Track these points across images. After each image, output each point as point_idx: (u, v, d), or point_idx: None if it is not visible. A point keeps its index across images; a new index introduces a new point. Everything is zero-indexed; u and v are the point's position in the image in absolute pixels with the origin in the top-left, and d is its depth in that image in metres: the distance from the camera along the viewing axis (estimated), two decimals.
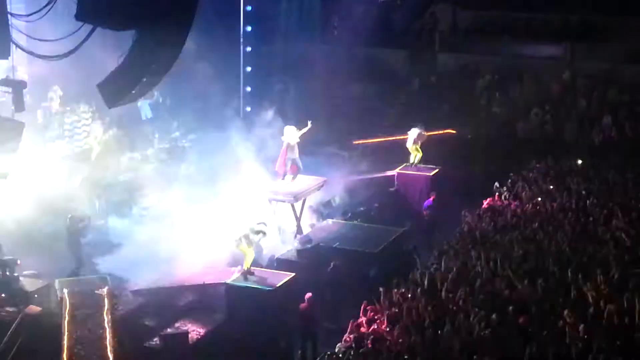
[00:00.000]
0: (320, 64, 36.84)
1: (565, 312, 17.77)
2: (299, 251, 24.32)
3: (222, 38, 34.81)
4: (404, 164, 30.51)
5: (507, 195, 26.72)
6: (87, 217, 26.00)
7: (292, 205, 26.56)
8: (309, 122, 26.81)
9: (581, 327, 17.06)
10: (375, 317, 19.09)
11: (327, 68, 36.48)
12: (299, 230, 26.14)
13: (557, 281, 19.63)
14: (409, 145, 30.15)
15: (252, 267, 21.82)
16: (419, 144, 30.10)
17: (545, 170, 28.45)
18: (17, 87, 21.73)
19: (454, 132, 34.00)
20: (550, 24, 38.24)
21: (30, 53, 22.20)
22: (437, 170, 30.10)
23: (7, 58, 21.57)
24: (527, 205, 25.31)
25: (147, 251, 23.90)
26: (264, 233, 22.10)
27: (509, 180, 27.70)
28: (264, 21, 36.44)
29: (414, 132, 29.98)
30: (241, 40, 36.43)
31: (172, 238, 24.52)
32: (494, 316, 17.95)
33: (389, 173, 30.70)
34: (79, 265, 23.89)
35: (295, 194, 26.37)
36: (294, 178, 26.71)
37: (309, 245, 24.36)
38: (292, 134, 26.30)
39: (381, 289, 19.97)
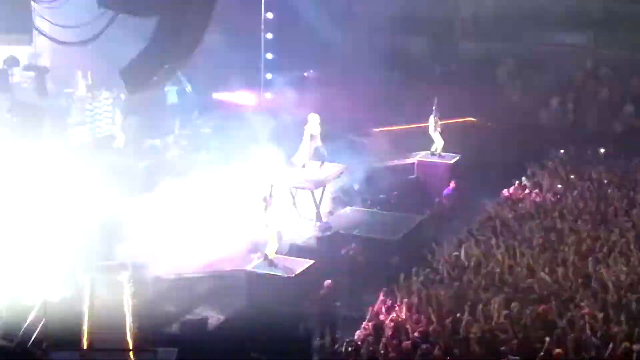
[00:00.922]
0: (341, 51, 36.77)
1: (585, 301, 17.77)
2: (318, 238, 24.36)
3: (243, 24, 34.80)
4: (425, 152, 30.48)
5: (527, 184, 26.67)
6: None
7: (312, 193, 26.53)
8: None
9: (600, 316, 17.03)
10: (395, 305, 19.10)
11: (347, 55, 36.40)
12: (319, 217, 26.12)
13: (576, 270, 19.58)
14: (431, 132, 30.13)
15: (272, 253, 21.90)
16: (439, 130, 30.06)
17: (566, 159, 28.35)
18: (39, 72, 21.82)
19: (475, 120, 33.91)
20: (572, 11, 37.97)
21: (53, 39, 22.30)
22: (457, 157, 30.06)
23: (30, 44, 21.75)
24: (548, 194, 25.27)
25: (168, 238, 24.01)
26: (267, 200, 22.01)
27: (530, 169, 27.62)
28: (285, 8, 36.33)
29: (431, 119, 29.99)
30: (262, 27, 36.35)
31: (193, 225, 24.61)
32: (513, 304, 17.94)
33: (409, 160, 30.71)
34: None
35: (315, 182, 26.34)
36: (321, 165, 26.66)
37: (329, 233, 24.39)
38: (315, 121, 26.23)
39: (400, 277, 19.99)
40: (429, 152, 30.40)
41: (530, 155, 29.30)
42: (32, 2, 20.94)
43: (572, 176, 26.62)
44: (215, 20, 21.81)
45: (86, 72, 30.84)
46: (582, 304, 17.81)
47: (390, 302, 19.26)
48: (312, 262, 22.15)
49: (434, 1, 38.31)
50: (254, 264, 22.01)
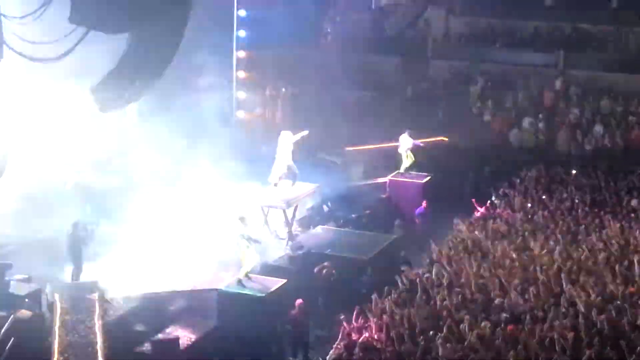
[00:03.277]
0: (313, 70, 36.87)
1: (556, 321, 17.81)
2: (290, 257, 24.32)
3: (215, 43, 34.75)
4: (396, 171, 30.57)
5: (499, 204, 26.76)
6: (93, 224, 25.92)
7: (284, 212, 26.51)
8: (306, 131, 26.73)
9: (570, 335, 17.07)
10: (366, 325, 19.04)
11: (320, 74, 36.49)
12: (291, 236, 26.09)
13: (547, 290, 19.62)
14: (401, 151, 30.23)
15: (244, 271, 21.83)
16: (410, 150, 30.16)
17: (537, 179, 28.48)
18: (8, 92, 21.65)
19: (446, 139, 34.04)
20: (542, 31, 38.35)
21: (23, 56, 22.13)
22: (429, 177, 30.18)
23: (0, 60, 21.55)
24: (519, 214, 25.35)
25: (139, 257, 23.89)
26: (243, 219, 21.95)
27: (501, 189, 27.73)
28: (257, 26, 36.36)
29: (403, 138, 30.07)
30: (234, 45, 36.36)
31: (163, 244, 24.50)
32: (484, 324, 17.95)
33: (381, 180, 30.78)
34: (78, 272, 23.75)
35: (287, 200, 26.31)
36: (293, 184, 26.64)
37: (301, 252, 24.35)
38: (287, 140, 26.21)
39: (372, 297, 19.96)
40: (399, 171, 30.45)
41: (502, 174, 29.44)
42: (2, 18, 20.78)
43: (543, 196, 26.69)
44: (187, 37, 21.79)
45: (57, 91, 30.68)
46: (554, 323, 17.81)
47: (362, 321, 19.19)
48: (284, 281, 22.06)
49: (405, 21, 38.53)
50: (226, 283, 21.90)
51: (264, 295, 21.34)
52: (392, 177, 30.54)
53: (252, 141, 33.42)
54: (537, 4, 38.31)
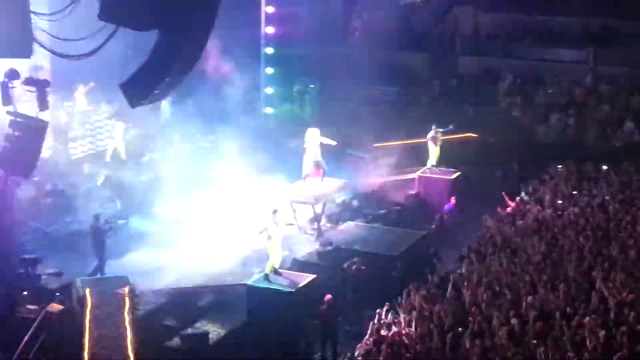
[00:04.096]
0: (341, 66, 36.86)
1: (587, 318, 17.70)
2: (319, 253, 24.31)
3: (243, 39, 34.83)
4: (425, 167, 30.51)
5: (528, 200, 26.64)
6: (114, 218, 26.16)
7: (313, 207, 26.53)
8: (335, 142, 26.78)
9: (601, 333, 16.96)
10: (395, 320, 19.04)
11: (348, 71, 36.48)
12: (320, 232, 26.11)
13: (578, 287, 19.52)
14: (429, 145, 30.18)
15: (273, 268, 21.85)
16: (438, 145, 30.09)
17: (566, 175, 28.32)
18: (40, 86, 21.72)
19: (475, 135, 33.95)
20: (572, 28, 38.15)
21: (53, 52, 22.23)
22: (458, 173, 30.09)
23: (30, 57, 21.65)
24: (549, 210, 25.23)
25: (168, 251, 24.00)
26: (276, 211, 21.98)
27: (531, 185, 27.60)
28: (285, 23, 36.40)
29: (431, 133, 30.02)
30: (262, 41, 36.41)
31: (193, 239, 24.58)
32: (514, 321, 17.88)
33: (410, 176, 30.70)
34: (102, 264, 23.94)
35: (316, 196, 26.35)
36: (321, 180, 26.64)
37: (330, 247, 24.34)
38: (315, 137, 26.20)
39: (402, 292, 19.93)
40: (429, 167, 30.38)
41: (531, 171, 29.30)
42: (32, 15, 20.89)
43: (573, 192, 26.54)
44: (215, 34, 21.80)
45: (87, 86, 30.89)
46: (584, 320, 17.71)
47: (391, 317, 19.19)
48: (313, 276, 22.06)
49: (433, 17, 38.41)
50: (255, 278, 21.95)
51: (293, 290, 21.35)
52: (421, 173, 30.45)
53: (280, 137, 33.46)
54: (566, 0, 38.06)
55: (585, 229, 23.00)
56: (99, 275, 23.14)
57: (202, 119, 33.70)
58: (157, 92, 21.04)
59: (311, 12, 37.33)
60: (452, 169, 30.31)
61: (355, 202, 29.08)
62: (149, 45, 20.18)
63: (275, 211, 21.74)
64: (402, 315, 18.99)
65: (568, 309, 18.35)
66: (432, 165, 30.26)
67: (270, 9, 36.01)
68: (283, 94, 37.66)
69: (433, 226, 27.12)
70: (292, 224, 23.52)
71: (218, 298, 22.38)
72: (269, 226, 21.38)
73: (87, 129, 30.86)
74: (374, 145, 33.77)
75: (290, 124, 35.09)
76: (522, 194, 27.31)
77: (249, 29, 35.71)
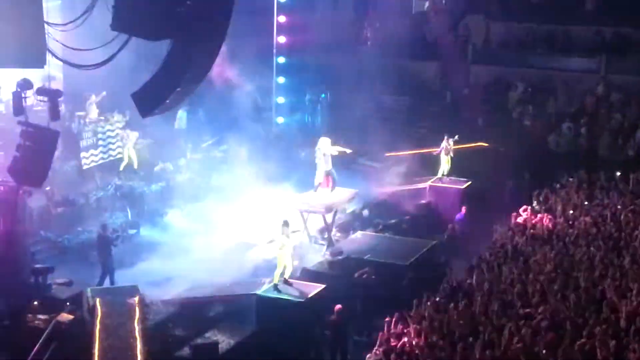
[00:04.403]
0: (352, 75, 36.88)
1: (597, 328, 17.63)
2: (329, 262, 24.31)
3: (255, 49, 34.91)
4: (436, 177, 30.48)
5: (539, 209, 26.56)
6: (125, 228, 26.25)
7: (324, 217, 26.53)
8: (349, 150, 26.79)
9: (612, 343, 16.89)
10: (405, 331, 18.98)
11: (359, 80, 36.50)
12: (330, 241, 26.11)
13: (589, 296, 19.45)
14: (441, 155, 30.17)
15: (282, 278, 21.84)
16: (449, 155, 30.07)
17: (578, 184, 28.24)
18: (52, 96, 21.79)
19: (486, 145, 33.90)
20: (583, 36, 38.05)
21: (66, 62, 22.34)
22: (469, 183, 30.06)
23: (43, 67, 21.75)
24: (560, 219, 25.15)
25: (178, 261, 24.03)
26: (287, 223, 21.96)
27: (542, 194, 27.53)
28: (297, 32, 36.44)
29: (444, 143, 30.01)
30: (274, 51, 36.46)
31: (203, 248, 24.60)
32: (525, 331, 17.82)
33: (421, 185, 30.68)
34: (107, 274, 24.01)
35: (327, 205, 26.34)
36: (332, 189, 26.66)
37: (340, 257, 24.33)
38: (326, 146, 26.19)
39: (412, 302, 19.89)
40: (439, 176, 30.36)
41: (543, 180, 29.21)
42: (45, 25, 20.99)
43: (584, 202, 26.45)
44: (227, 43, 21.85)
45: (99, 96, 30.99)
46: (595, 330, 17.64)
47: (401, 327, 19.14)
48: (322, 286, 22.06)
49: (445, 26, 38.37)
50: (265, 288, 21.95)
51: (302, 300, 21.36)
52: (432, 182, 30.44)
53: (291, 146, 33.50)
54: (578, 9, 38.01)
55: (597, 239, 22.90)
56: (105, 284, 23.24)
57: (214, 129, 33.82)
58: (168, 101, 21.11)
59: (323, 22, 37.34)
60: (463, 179, 30.28)
61: (365, 212, 29.08)
62: (161, 55, 20.27)
63: (286, 222, 21.75)
64: (412, 325, 18.92)
65: (579, 319, 18.29)
66: (443, 175, 30.24)
67: (282, 19, 36.05)
68: (294, 103, 37.67)
69: (445, 236, 27.10)
70: (297, 231, 23.40)
71: (228, 308, 22.33)
72: (279, 236, 21.40)
73: (98, 139, 30.89)
74: (385, 154, 33.78)
75: (301, 133, 35.09)
76: (534, 203, 27.22)
77: (260, 38, 35.76)
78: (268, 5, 35.68)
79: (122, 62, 21.72)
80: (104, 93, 30.79)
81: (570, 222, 24.79)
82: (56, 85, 24.83)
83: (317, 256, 25.28)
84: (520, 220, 25.72)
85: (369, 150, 33.81)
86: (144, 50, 23.18)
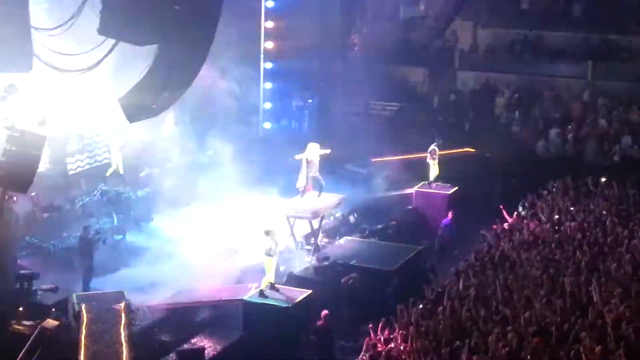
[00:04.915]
0: (340, 81, 36.92)
1: (583, 333, 17.66)
2: (316, 268, 24.31)
3: (242, 54, 34.87)
4: (422, 182, 30.50)
5: (525, 215, 26.61)
6: (103, 231, 26.20)
7: (310, 222, 26.53)
8: (328, 151, 26.78)
9: (598, 348, 16.92)
10: (392, 336, 19.00)
11: (346, 85, 36.55)
12: (316, 247, 26.12)
13: (575, 302, 19.48)
14: (429, 161, 30.19)
15: (269, 284, 21.82)
16: (435, 159, 30.10)
17: (564, 190, 28.29)
18: (39, 103, 21.75)
19: (472, 150, 33.97)
20: (570, 42, 38.15)
21: (53, 67, 22.29)
22: (455, 188, 30.09)
23: (29, 72, 21.65)
24: (546, 225, 25.20)
25: (164, 267, 24.00)
26: (270, 232, 21.93)
27: (528, 200, 27.58)
28: (284, 38, 36.44)
29: (432, 147, 30.04)
30: (261, 56, 36.43)
31: (189, 254, 24.56)
32: (511, 336, 17.83)
33: (407, 191, 30.72)
34: (88, 276, 23.97)
35: (313, 211, 26.35)
36: (319, 195, 26.65)
37: (326, 263, 24.33)
38: (314, 151, 26.21)
39: (398, 307, 19.90)
40: (426, 182, 30.39)
41: (529, 185, 29.24)
42: (32, 30, 20.92)
43: (570, 207, 26.50)
44: (214, 48, 21.85)
45: (86, 101, 30.86)
46: (581, 335, 17.67)
47: (388, 332, 19.16)
48: (309, 292, 22.08)
49: (432, 32, 38.47)
50: (251, 294, 21.94)
51: (289, 305, 21.36)
52: (418, 188, 30.46)
53: (279, 152, 33.45)
54: (565, 15, 38.12)
55: (582, 244, 22.96)
56: (88, 288, 23.22)
57: (201, 134, 33.75)
58: (155, 106, 21.12)
59: (310, 27, 37.34)
60: (450, 184, 30.31)
61: (352, 218, 29.11)
62: (148, 60, 20.28)
63: (271, 232, 21.73)
64: (398, 331, 18.95)
65: (565, 324, 18.31)
66: (430, 181, 30.26)
67: (270, 24, 36.02)
68: (281, 108, 37.64)
69: (436, 242, 27.17)
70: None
71: (214, 314, 22.32)
72: (266, 242, 21.41)
73: (85, 144, 30.78)
74: (372, 160, 33.81)
75: (288, 138, 35.06)
76: (520, 208, 27.27)
77: (248, 43, 35.69)
78: (255, 10, 35.62)
79: (108, 66, 21.71)
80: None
81: (556, 228, 24.84)
82: (43, 90, 24.80)
83: (304, 261, 25.28)
84: (506, 225, 25.80)
85: (355, 155, 33.82)
86: (131, 55, 23.12)
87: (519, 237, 24.25)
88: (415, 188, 30.45)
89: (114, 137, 31.03)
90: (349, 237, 27.20)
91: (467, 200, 29.85)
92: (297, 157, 26.33)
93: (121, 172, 30.85)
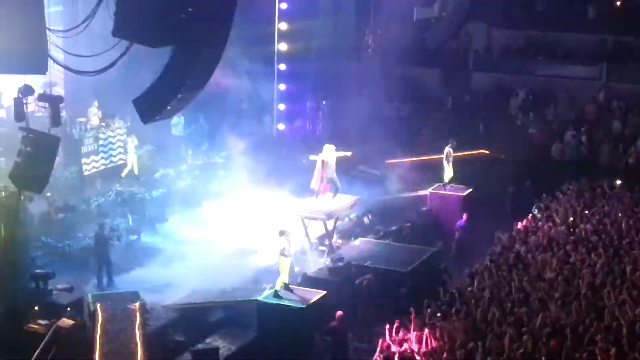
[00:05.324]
0: (353, 82, 36.89)
1: (598, 335, 17.63)
2: (330, 269, 24.28)
3: (256, 55, 34.93)
4: (437, 184, 30.46)
5: (540, 216, 26.55)
6: (119, 229, 26.30)
7: (325, 223, 26.51)
8: (349, 153, 26.78)
9: (613, 351, 16.88)
10: (406, 337, 18.99)
11: (360, 87, 36.52)
12: (331, 248, 26.10)
13: (590, 304, 19.44)
14: (444, 162, 30.14)
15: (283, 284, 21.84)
16: (450, 161, 30.05)
17: (579, 192, 28.22)
18: (54, 102, 21.82)
19: (487, 152, 33.92)
20: (585, 44, 38.06)
21: (67, 68, 22.39)
22: (470, 190, 30.02)
23: (44, 73, 21.79)
24: (561, 227, 25.13)
25: (179, 267, 24.03)
26: (284, 232, 21.93)
27: (543, 202, 27.52)
28: (298, 39, 36.46)
29: (446, 150, 29.99)
30: (275, 58, 36.46)
31: (204, 254, 24.58)
32: (526, 338, 17.81)
33: (422, 192, 30.66)
34: (104, 273, 24.07)
35: (328, 212, 26.31)
36: (334, 197, 26.62)
37: (341, 264, 24.31)
38: (330, 153, 26.17)
39: (412, 309, 19.88)
40: (441, 183, 30.34)
41: (543, 187, 29.18)
42: (47, 31, 21.02)
43: (585, 209, 26.42)
44: (228, 50, 21.87)
45: (100, 102, 31.01)
46: (596, 338, 17.63)
47: (402, 334, 19.14)
48: (323, 293, 22.07)
49: (446, 33, 38.37)
50: (265, 294, 21.95)
51: (303, 306, 21.36)
52: (433, 189, 30.40)
53: (293, 153, 33.49)
54: (580, 16, 37.99)
55: (597, 246, 22.91)
56: (104, 283, 23.31)
57: (214, 135, 33.82)
58: (170, 108, 21.14)
59: (324, 29, 37.35)
60: (464, 186, 30.25)
61: (366, 219, 29.05)
62: (162, 62, 20.31)
63: (285, 232, 21.73)
64: (413, 332, 18.95)
65: (580, 326, 18.28)
66: (445, 183, 30.18)
67: (284, 26, 36.03)
68: (295, 110, 37.65)
69: (454, 244, 27.16)
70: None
71: (229, 314, 22.32)
72: (280, 242, 21.42)
73: (100, 145, 30.89)
74: (386, 161, 33.78)
75: (302, 140, 35.12)
76: (535, 210, 27.21)
77: (262, 45, 35.72)
78: (269, 12, 35.66)
79: (123, 68, 21.76)
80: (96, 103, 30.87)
81: (571, 230, 24.78)
82: (57, 91, 24.93)
83: (318, 262, 25.29)
84: (521, 227, 25.74)
85: (370, 157, 33.80)
86: (146, 56, 23.16)
87: (533, 239, 24.21)
88: (430, 189, 30.38)
89: (128, 138, 31.18)
90: (364, 238, 27.17)
91: (481, 202, 29.77)
92: (312, 157, 26.31)
93: (136, 172, 30.99)
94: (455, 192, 30.03)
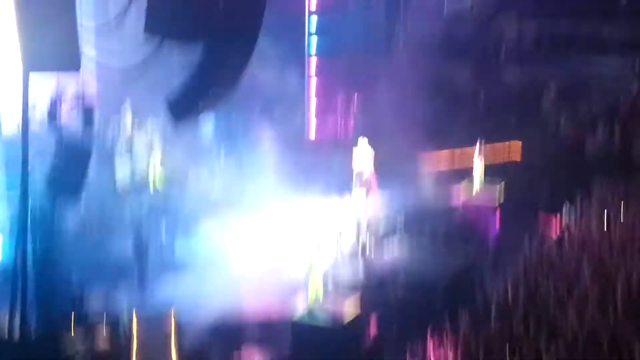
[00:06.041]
0: (384, 77, 36.75)
1: (637, 344, 17.56)
2: (364, 283, 24.10)
3: (287, 50, 34.85)
4: (468, 179, 30.29)
5: (574, 216, 26.37)
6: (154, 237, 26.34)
7: (358, 225, 26.40)
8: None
9: None
10: (442, 347, 18.99)
11: (391, 81, 36.36)
12: (364, 252, 25.98)
13: (626, 309, 19.33)
14: (475, 158, 30.00)
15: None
16: (482, 156, 29.89)
17: (613, 190, 27.98)
18: (87, 102, 21.86)
19: (519, 146, 33.74)
20: (619, 36, 37.66)
21: (101, 64, 22.35)
22: (502, 191, 29.69)
23: (78, 70, 21.70)
24: (595, 227, 24.96)
25: (213, 279, 23.91)
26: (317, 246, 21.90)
27: (575, 201, 27.30)
28: (328, 33, 36.39)
29: (477, 145, 29.84)
30: (305, 52, 36.40)
31: (239, 264, 24.50)
32: (561, 346, 17.77)
33: (455, 191, 30.51)
34: (142, 277, 24.08)
35: (362, 213, 26.18)
36: (367, 196, 26.56)
37: (375, 277, 24.17)
38: (365, 150, 26.05)
39: (447, 319, 19.85)
40: (473, 180, 30.13)
41: (576, 182, 28.97)
42: (79, 28, 20.95)
43: (620, 208, 26.21)
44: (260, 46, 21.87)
45: (132, 101, 30.93)
46: (634, 347, 17.57)
47: (438, 344, 19.13)
48: (358, 312, 21.92)
49: (478, 26, 38.16)
50: (300, 314, 21.90)
51: (338, 326, 21.28)
52: (465, 188, 30.23)
53: (325, 151, 33.44)
54: (614, 6, 37.58)
55: (633, 249, 22.76)
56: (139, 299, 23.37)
57: (246, 131, 33.77)
58: (201, 105, 21.12)
59: (354, 23, 37.25)
60: (498, 178, 29.98)
61: (399, 220, 28.89)
62: (194, 58, 20.30)
63: (318, 246, 21.70)
64: (448, 342, 18.94)
65: (616, 332, 18.21)
66: (478, 182, 30.00)
67: (314, 19, 36.02)
68: (327, 104, 37.57)
69: (488, 253, 27.05)
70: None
71: (263, 332, 22.25)
72: (315, 260, 21.39)
73: (131, 147, 30.87)
74: (417, 157, 33.61)
75: (334, 135, 35.05)
76: (568, 209, 27.02)
77: (293, 40, 35.68)
78: (299, 5, 35.59)
79: (155, 65, 21.73)
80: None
81: (604, 232, 24.58)
82: (89, 90, 24.96)
83: (351, 267, 25.09)
84: (553, 230, 25.59)
85: (401, 153, 33.62)
86: (178, 53, 23.05)
87: (566, 242, 24.06)
88: (462, 188, 30.19)
89: (159, 139, 31.15)
90: (398, 244, 26.96)
91: (514, 202, 29.57)
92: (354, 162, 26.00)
93: (167, 176, 30.86)
94: (488, 193, 29.77)
